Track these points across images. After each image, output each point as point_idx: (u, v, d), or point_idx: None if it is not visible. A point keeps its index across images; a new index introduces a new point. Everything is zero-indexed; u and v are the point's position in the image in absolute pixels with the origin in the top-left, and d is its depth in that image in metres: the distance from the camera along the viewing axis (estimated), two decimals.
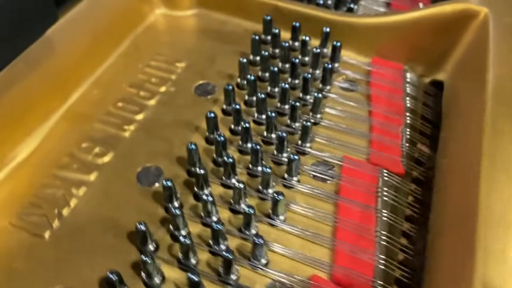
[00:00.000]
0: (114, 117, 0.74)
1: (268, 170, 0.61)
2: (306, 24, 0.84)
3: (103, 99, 0.76)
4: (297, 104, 0.69)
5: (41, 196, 0.63)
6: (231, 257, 0.53)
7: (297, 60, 0.76)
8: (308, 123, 0.67)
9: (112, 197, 0.64)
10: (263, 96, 0.70)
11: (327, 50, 0.84)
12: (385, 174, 0.66)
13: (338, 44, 0.79)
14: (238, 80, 0.79)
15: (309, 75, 0.74)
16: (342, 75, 0.82)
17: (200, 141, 0.70)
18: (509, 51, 0.64)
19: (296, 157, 0.62)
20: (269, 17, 0.84)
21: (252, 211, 0.57)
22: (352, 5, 0.88)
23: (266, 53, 0.77)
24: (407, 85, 0.79)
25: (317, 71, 0.80)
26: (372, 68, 0.82)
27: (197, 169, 0.63)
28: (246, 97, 0.76)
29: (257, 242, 0.54)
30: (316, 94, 0.71)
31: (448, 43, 0.76)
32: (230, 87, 0.72)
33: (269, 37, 0.86)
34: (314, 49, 0.78)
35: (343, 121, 0.74)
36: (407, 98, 0.77)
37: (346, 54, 0.83)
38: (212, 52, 0.86)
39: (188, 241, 0.54)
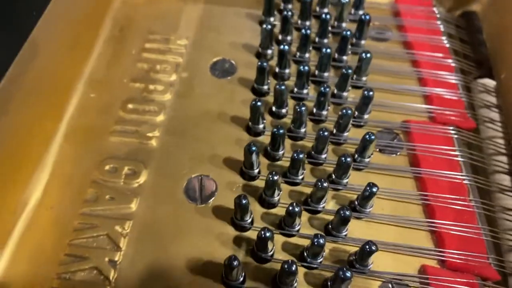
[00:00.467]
0: (130, 123, 0.60)
1: (348, 159, 0.52)
2: None
3: (106, 104, 0.62)
4: (349, 71, 0.60)
5: (81, 244, 0.51)
6: (348, 276, 0.45)
7: (327, 16, 0.65)
8: (370, 92, 0.58)
9: (165, 225, 0.53)
10: (306, 68, 0.60)
11: None
12: (458, 132, 0.60)
13: None
14: (260, 49, 0.67)
15: (348, 32, 0.63)
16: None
17: (241, 134, 0.60)
18: None
19: (372, 136, 0.54)
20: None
21: (348, 213, 0.49)
22: None
23: (288, 13, 0.65)
24: (440, 22, 0.71)
25: (344, 24, 0.70)
26: (399, 8, 0.73)
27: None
28: (277, 69, 0.65)
29: (367, 249, 0.47)
30: (364, 54, 0.61)
31: None
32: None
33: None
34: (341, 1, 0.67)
35: (388, 79, 0.66)
36: (445, 38, 0.70)
37: None
38: (214, 18, 0.72)
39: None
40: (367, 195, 0.51)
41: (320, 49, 0.63)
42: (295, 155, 0.52)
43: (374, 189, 0.50)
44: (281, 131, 0.54)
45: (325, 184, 0.50)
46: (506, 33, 0.66)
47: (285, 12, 0.65)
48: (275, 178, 0.50)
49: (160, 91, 0.63)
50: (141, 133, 0.59)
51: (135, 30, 0.70)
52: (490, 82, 0.67)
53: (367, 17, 0.65)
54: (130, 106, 0.62)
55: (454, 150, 0.58)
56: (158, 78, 0.65)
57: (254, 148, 0.52)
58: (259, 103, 0.56)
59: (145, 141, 0.59)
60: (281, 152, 0.56)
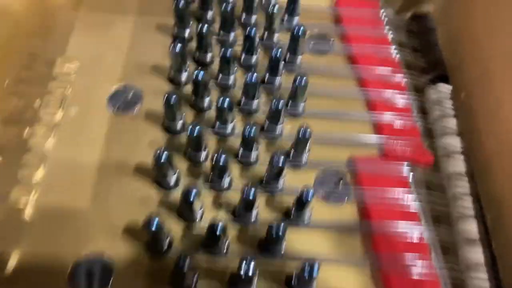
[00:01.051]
0: None
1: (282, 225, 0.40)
2: None
3: None
4: (280, 102, 0.47)
5: None
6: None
7: (252, 32, 0.52)
8: (306, 132, 0.46)
9: None
10: (226, 103, 0.47)
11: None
12: (412, 169, 0.49)
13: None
14: (172, 73, 0.53)
15: (279, 52, 0.51)
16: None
17: (149, 191, 0.47)
18: None
19: (310, 193, 0.42)
20: None
21: None
22: None
23: (205, 26, 0.52)
24: (389, 27, 0.60)
25: (276, 34, 0.57)
26: (341, 13, 0.61)
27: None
28: (193, 98, 0.51)
29: None
30: (299, 79, 0.49)
31: None
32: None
33: None
34: (271, 8, 0.54)
35: (330, 103, 0.54)
36: (394, 48, 0.59)
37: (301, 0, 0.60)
38: (115, 32, 0.57)
39: None
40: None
41: (246, 71, 0.50)
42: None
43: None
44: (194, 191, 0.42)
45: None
46: (465, 40, 0.56)
47: (202, 26, 0.51)
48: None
49: (40, 136, 0.49)
50: (11, 199, 0.45)
51: (9, 54, 0.54)
52: (446, 88, 0.57)
53: (301, 29, 0.52)
54: None
55: (411, 193, 0.48)
56: (38, 117, 0.50)
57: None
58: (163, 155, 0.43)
59: (16, 209, 0.44)
60: None
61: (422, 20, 0.62)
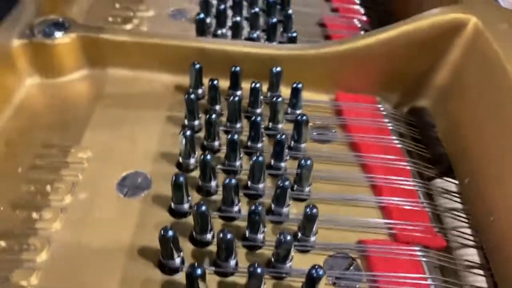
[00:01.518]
0: None
1: None
2: (246, 66, 0.64)
3: None
4: (286, 183, 0.48)
5: None
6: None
7: (258, 118, 0.55)
8: (314, 210, 0.46)
9: None
10: (233, 181, 0.48)
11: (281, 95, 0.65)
12: (426, 254, 0.48)
13: (300, 86, 0.60)
14: (180, 159, 0.55)
15: (283, 136, 0.53)
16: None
17: (153, 273, 0.45)
18: None
19: (321, 271, 0.41)
20: (198, 65, 0.62)
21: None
22: (293, 34, 0.70)
23: (213, 115, 0.55)
24: (388, 120, 0.63)
25: (280, 125, 0.60)
26: (341, 106, 0.65)
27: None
28: (200, 183, 0.52)
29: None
30: (303, 161, 0.50)
31: (429, 63, 0.62)
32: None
33: (199, 91, 0.64)
34: (273, 98, 0.58)
35: (336, 188, 0.55)
36: (395, 138, 0.61)
37: (303, 95, 0.65)
38: (127, 126, 0.60)
39: None
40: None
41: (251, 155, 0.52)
42: None
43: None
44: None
45: None
46: (459, 130, 0.58)
47: (211, 116, 0.55)
48: None
49: (47, 220, 0.49)
50: (11, 282, 0.43)
51: (26, 142, 0.57)
52: (451, 184, 0.58)
53: (304, 117, 0.55)
54: (2, 243, 0.46)
55: (426, 279, 0.46)
56: (47, 202, 0.50)
57: None
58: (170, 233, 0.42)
59: None
60: None
61: (420, 114, 0.66)
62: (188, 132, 0.52)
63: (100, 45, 0.65)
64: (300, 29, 0.78)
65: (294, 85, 0.61)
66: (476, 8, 0.58)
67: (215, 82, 0.60)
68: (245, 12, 0.81)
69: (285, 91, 0.65)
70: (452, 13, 0.59)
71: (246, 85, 0.64)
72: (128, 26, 0.78)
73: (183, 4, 0.85)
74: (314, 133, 0.61)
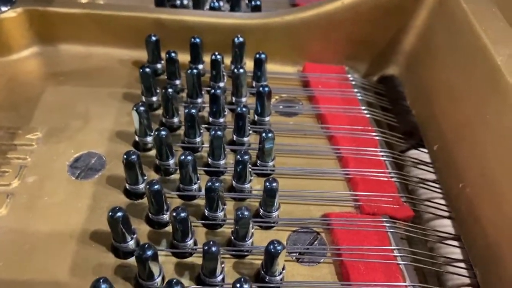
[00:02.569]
0: None
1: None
2: (207, 38, 0.61)
3: None
4: (246, 157, 0.45)
5: None
6: None
7: (218, 91, 0.52)
8: (274, 184, 0.43)
9: None
10: (189, 158, 0.45)
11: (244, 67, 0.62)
12: (393, 225, 0.46)
13: (263, 56, 0.57)
14: (136, 138, 0.52)
15: (244, 109, 0.50)
16: (274, 95, 0.60)
17: (105, 256, 0.43)
18: (494, 19, 0.49)
19: (279, 246, 0.38)
20: (154, 37, 0.59)
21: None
22: (257, 2, 0.67)
23: (169, 91, 0.52)
24: (357, 90, 0.61)
25: (243, 98, 0.57)
26: (308, 78, 0.62)
27: None
28: (157, 161, 0.49)
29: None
30: (264, 134, 0.48)
31: (396, 28, 0.59)
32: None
33: (158, 65, 0.61)
34: (235, 70, 0.55)
35: (302, 161, 0.52)
36: (364, 108, 0.59)
37: (269, 67, 0.62)
38: (81, 104, 0.57)
39: None
40: None
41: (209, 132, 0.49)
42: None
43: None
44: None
45: None
46: (429, 95, 0.56)
47: (167, 90, 0.52)
48: None
49: None
50: None
51: None
52: (422, 155, 0.56)
53: (267, 88, 0.52)
54: None
55: (392, 251, 0.44)
56: None
57: None
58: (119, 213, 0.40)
59: None
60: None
61: (389, 82, 0.63)
62: (142, 108, 0.49)
63: (50, 19, 0.61)
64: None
65: (257, 56, 0.58)
66: None
67: (173, 54, 0.57)
68: None
69: (249, 65, 0.62)
70: None
71: (208, 59, 0.61)
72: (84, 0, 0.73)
73: None
74: (280, 106, 0.59)
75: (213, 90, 0.52)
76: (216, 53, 0.57)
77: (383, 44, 0.61)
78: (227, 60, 0.62)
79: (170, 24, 0.61)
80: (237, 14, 0.64)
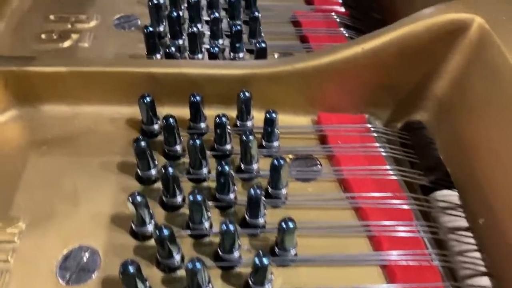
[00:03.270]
0: None
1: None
2: (208, 90, 0.53)
3: None
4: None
5: None
6: None
7: (225, 167, 0.45)
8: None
9: None
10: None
11: (251, 123, 0.54)
12: None
13: (274, 115, 0.50)
14: (133, 226, 0.45)
15: (258, 191, 0.43)
16: (287, 154, 0.53)
17: None
18: None
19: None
20: (148, 98, 0.51)
21: None
22: (262, 44, 0.59)
23: (169, 170, 0.44)
24: (381, 144, 0.53)
25: (254, 165, 0.50)
26: (325, 130, 0.55)
27: None
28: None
29: None
30: (287, 231, 0.40)
31: (426, 72, 0.52)
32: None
33: (155, 126, 0.53)
34: (244, 137, 0.48)
35: (327, 242, 0.45)
36: (391, 167, 0.51)
37: (279, 118, 0.54)
38: (68, 180, 0.49)
39: None
40: None
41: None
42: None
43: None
44: None
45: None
46: (468, 154, 0.49)
47: (167, 170, 0.44)
48: None
49: None
50: None
51: None
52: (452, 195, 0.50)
53: (282, 162, 0.45)
54: None
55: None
56: None
57: None
58: None
59: None
60: None
61: (415, 130, 0.56)
62: (139, 198, 0.42)
63: (28, 79, 0.53)
64: (270, 29, 0.67)
65: (268, 115, 0.50)
66: (481, 6, 0.48)
67: (171, 121, 0.49)
68: (204, 14, 0.69)
69: (257, 116, 0.55)
70: (452, 13, 0.48)
71: (210, 112, 0.54)
72: (66, 43, 0.65)
73: (130, 8, 0.72)
74: (295, 170, 0.51)
75: (219, 168, 0.45)
76: (221, 116, 0.49)
77: (409, 89, 0.54)
78: (232, 113, 0.55)
79: (165, 78, 0.54)
80: (242, 63, 0.56)
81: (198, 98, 0.52)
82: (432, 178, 0.55)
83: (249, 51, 0.64)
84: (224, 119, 0.49)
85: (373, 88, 0.54)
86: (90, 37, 0.66)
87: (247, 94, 0.52)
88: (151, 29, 0.59)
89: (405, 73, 0.52)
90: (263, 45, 0.58)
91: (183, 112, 0.55)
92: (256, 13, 0.62)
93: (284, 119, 0.56)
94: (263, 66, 0.54)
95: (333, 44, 0.65)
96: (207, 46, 0.62)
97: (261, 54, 0.59)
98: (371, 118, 0.57)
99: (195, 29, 0.59)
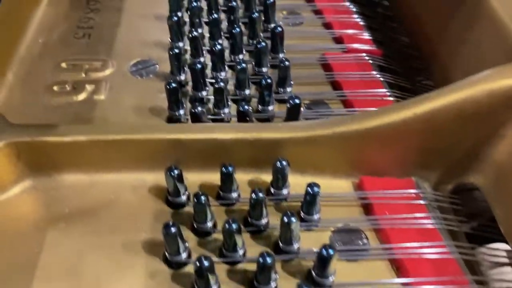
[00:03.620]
0: None
1: None
2: (239, 155, 0.49)
3: None
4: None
5: None
6: None
7: (268, 259, 0.40)
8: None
9: None
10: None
11: (286, 191, 0.49)
12: None
13: (316, 190, 0.45)
14: None
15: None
16: (326, 229, 0.48)
17: None
18: None
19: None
20: (176, 171, 0.46)
21: None
22: (296, 100, 0.53)
23: (205, 265, 0.39)
24: (434, 213, 0.48)
25: (295, 245, 0.45)
26: (369, 197, 0.49)
27: None
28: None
29: None
30: None
31: (484, 136, 0.47)
32: None
33: (183, 198, 0.48)
34: (285, 218, 0.42)
35: None
36: (449, 242, 0.46)
37: (317, 181, 0.49)
38: (89, 268, 0.44)
39: None
40: None
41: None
42: None
43: None
44: None
45: None
46: None
47: (201, 262, 0.39)
48: None
49: None
50: None
51: None
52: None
53: (331, 251, 0.40)
54: None
55: None
56: None
57: None
58: None
59: None
60: None
61: (468, 195, 0.51)
62: None
63: (44, 149, 0.48)
64: (298, 73, 0.62)
65: (310, 189, 0.45)
66: None
67: (202, 199, 0.44)
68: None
69: (292, 180, 0.50)
70: None
71: (240, 176, 0.49)
72: (81, 96, 0.60)
73: (147, 51, 0.67)
74: (338, 244, 0.46)
75: (261, 259, 0.40)
76: (258, 192, 0.44)
77: (464, 151, 0.49)
78: (264, 177, 0.50)
79: (193, 144, 0.49)
80: (277, 126, 0.51)
81: (230, 169, 0.47)
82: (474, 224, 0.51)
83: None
84: (261, 195, 0.44)
85: (423, 151, 0.49)
86: (106, 88, 0.61)
87: (284, 163, 0.47)
88: (174, 85, 0.54)
89: (460, 137, 0.47)
90: (297, 101, 0.53)
91: (211, 177, 0.50)
92: (287, 62, 0.57)
93: (321, 183, 0.50)
94: (300, 130, 0.49)
95: (368, 90, 0.60)
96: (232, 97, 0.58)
97: (294, 111, 0.53)
98: (418, 180, 0.51)
99: (221, 84, 0.54)
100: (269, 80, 0.54)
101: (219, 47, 0.58)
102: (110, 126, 0.51)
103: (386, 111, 0.47)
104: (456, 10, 0.56)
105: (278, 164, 0.47)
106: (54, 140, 0.47)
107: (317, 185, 0.45)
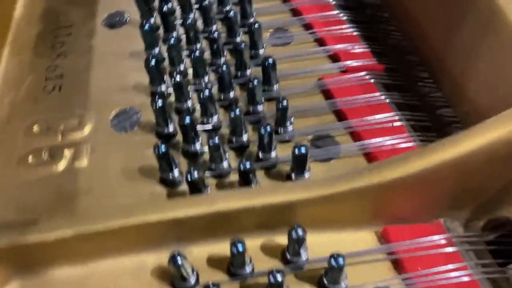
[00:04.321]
0: None
1: None
2: (245, 221, 0.43)
3: None
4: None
5: None
6: None
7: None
8: None
9: None
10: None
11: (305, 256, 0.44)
12: None
13: (341, 261, 0.39)
14: None
15: None
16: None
17: None
18: None
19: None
20: (179, 259, 0.40)
21: None
22: (302, 150, 0.46)
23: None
24: (470, 262, 0.44)
25: None
26: (397, 250, 0.44)
27: None
28: None
29: None
30: None
31: None
32: None
33: (191, 281, 0.43)
34: None
35: None
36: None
37: (338, 236, 0.44)
38: None
39: None
40: None
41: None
42: None
43: None
44: None
45: None
46: None
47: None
48: None
49: None
50: None
51: None
52: None
53: None
54: None
55: None
56: None
57: None
58: None
59: None
60: None
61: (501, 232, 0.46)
62: None
63: (27, 250, 0.42)
64: (297, 107, 0.56)
65: (334, 261, 0.40)
66: None
67: None
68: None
69: (311, 239, 0.45)
70: None
71: (249, 243, 0.44)
72: (61, 166, 0.54)
73: (126, 98, 0.60)
74: None
75: None
76: (275, 274, 0.39)
77: (496, 187, 0.44)
78: (276, 239, 0.45)
79: (194, 220, 0.43)
80: (286, 186, 0.45)
81: (240, 247, 0.41)
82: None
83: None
84: (279, 277, 0.39)
85: (453, 194, 0.44)
86: (88, 151, 0.55)
87: (300, 232, 0.41)
88: (163, 150, 0.47)
89: (493, 176, 0.42)
90: (303, 151, 0.47)
91: (218, 248, 0.45)
92: (284, 102, 0.51)
93: (342, 238, 0.46)
94: (312, 188, 0.43)
95: (375, 117, 0.55)
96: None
97: (301, 160, 0.48)
98: (447, 221, 0.47)
99: (216, 140, 0.48)
100: (269, 129, 0.48)
101: (207, 93, 0.52)
102: (98, 213, 0.45)
103: (410, 159, 0.41)
104: (465, 20, 0.50)
105: (294, 234, 0.41)
106: (36, 241, 0.41)
107: (342, 256, 0.40)
